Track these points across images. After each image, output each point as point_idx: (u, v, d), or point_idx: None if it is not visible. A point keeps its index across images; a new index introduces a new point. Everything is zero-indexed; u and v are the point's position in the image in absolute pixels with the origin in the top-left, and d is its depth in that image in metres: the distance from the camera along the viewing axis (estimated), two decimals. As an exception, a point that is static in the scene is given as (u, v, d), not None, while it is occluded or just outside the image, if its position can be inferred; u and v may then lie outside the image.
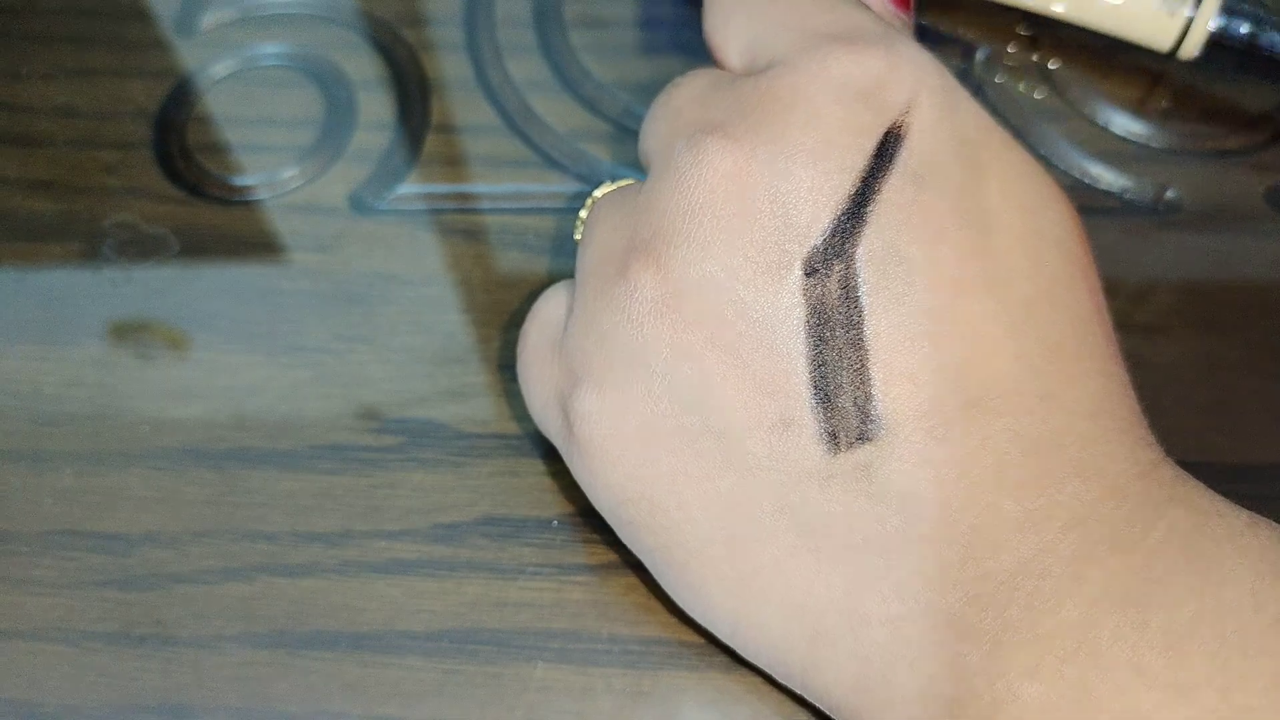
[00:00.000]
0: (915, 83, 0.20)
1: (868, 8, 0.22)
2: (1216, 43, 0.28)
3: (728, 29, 0.23)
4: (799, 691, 0.20)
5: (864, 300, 0.19)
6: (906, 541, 0.18)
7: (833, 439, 0.19)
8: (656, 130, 0.22)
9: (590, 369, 0.20)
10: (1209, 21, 0.27)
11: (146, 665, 0.23)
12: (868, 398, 0.18)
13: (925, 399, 0.18)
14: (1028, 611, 0.17)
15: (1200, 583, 0.17)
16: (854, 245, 0.19)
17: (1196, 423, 0.20)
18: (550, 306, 0.23)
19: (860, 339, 0.19)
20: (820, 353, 0.19)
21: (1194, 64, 0.28)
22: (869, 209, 0.19)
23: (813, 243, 0.19)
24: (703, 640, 0.22)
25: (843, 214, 0.19)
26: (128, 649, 0.23)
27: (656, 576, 0.21)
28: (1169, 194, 0.28)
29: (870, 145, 0.19)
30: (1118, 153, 0.28)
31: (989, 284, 0.19)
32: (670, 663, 0.22)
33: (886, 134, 0.19)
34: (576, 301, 0.22)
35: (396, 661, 0.23)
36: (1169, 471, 0.19)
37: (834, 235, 0.19)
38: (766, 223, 0.19)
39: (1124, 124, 0.29)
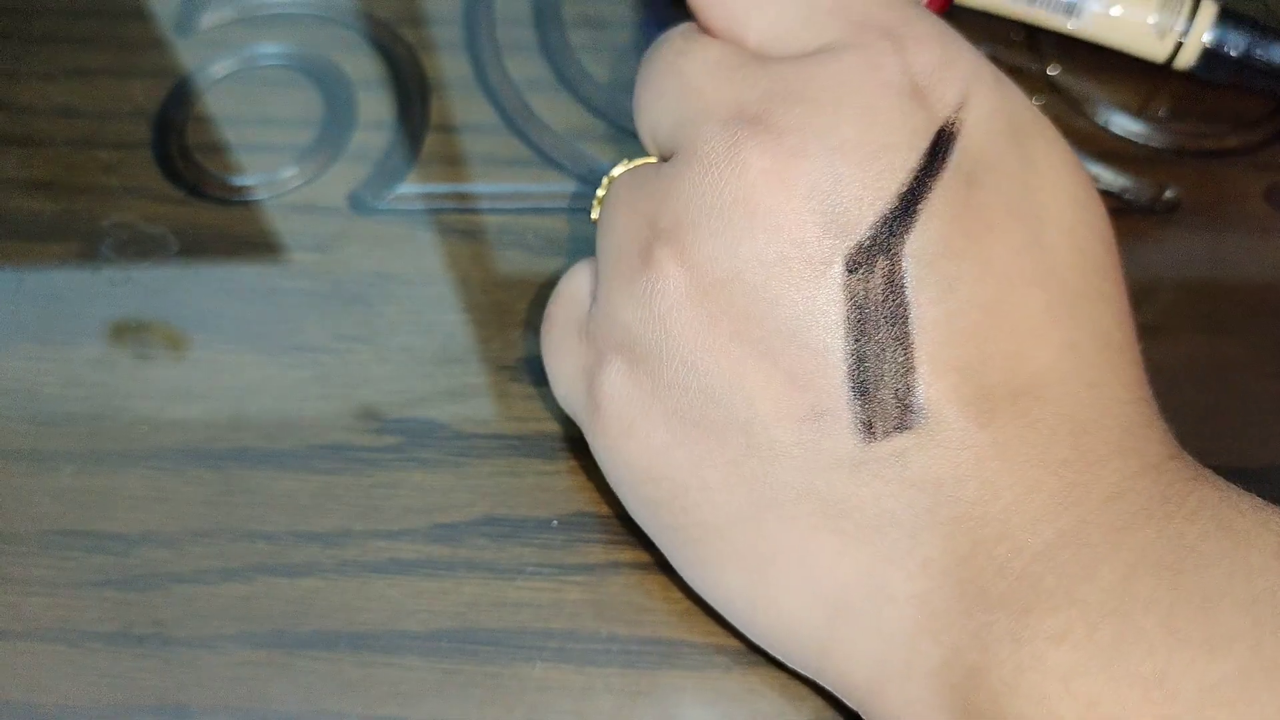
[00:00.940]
0: (968, 77, 0.20)
1: None
2: (1212, 53, 0.28)
3: (753, 2, 0.21)
4: (812, 676, 0.20)
5: (910, 295, 0.18)
6: (938, 521, 0.18)
7: (868, 429, 0.18)
8: (671, 109, 0.21)
9: (618, 352, 0.20)
10: (1203, 36, 0.27)
11: (145, 665, 0.23)
12: (909, 390, 0.18)
13: (971, 389, 0.18)
14: (1063, 579, 0.17)
15: (1230, 546, 0.17)
16: (901, 242, 0.18)
17: (1197, 423, 0.20)
18: (574, 284, 0.23)
19: (905, 334, 0.18)
20: (860, 347, 0.18)
21: (1192, 68, 0.28)
22: (919, 207, 0.19)
23: (857, 239, 0.18)
24: (701, 640, 0.22)
25: (891, 212, 0.18)
26: (126, 649, 0.23)
27: (669, 556, 0.21)
28: (1168, 193, 0.28)
29: (924, 144, 0.19)
30: (1117, 152, 0.28)
31: (1040, 277, 0.19)
32: (669, 662, 0.22)
33: (940, 132, 0.19)
34: (600, 285, 0.21)
35: (395, 661, 0.23)
36: (1189, 458, 0.19)
37: (881, 233, 0.18)
38: (807, 219, 0.19)
39: (1123, 124, 0.29)
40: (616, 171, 0.22)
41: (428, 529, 0.24)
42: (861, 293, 0.18)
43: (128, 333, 0.27)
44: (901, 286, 0.18)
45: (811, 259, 0.19)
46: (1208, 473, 0.19)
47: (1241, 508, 0.18)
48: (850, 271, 0.18)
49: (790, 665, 0.21)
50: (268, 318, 0.27)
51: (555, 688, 0.22)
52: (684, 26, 0.22)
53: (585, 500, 0.24)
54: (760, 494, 0.19)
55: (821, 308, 0.19)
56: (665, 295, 0.19)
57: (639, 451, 0.20)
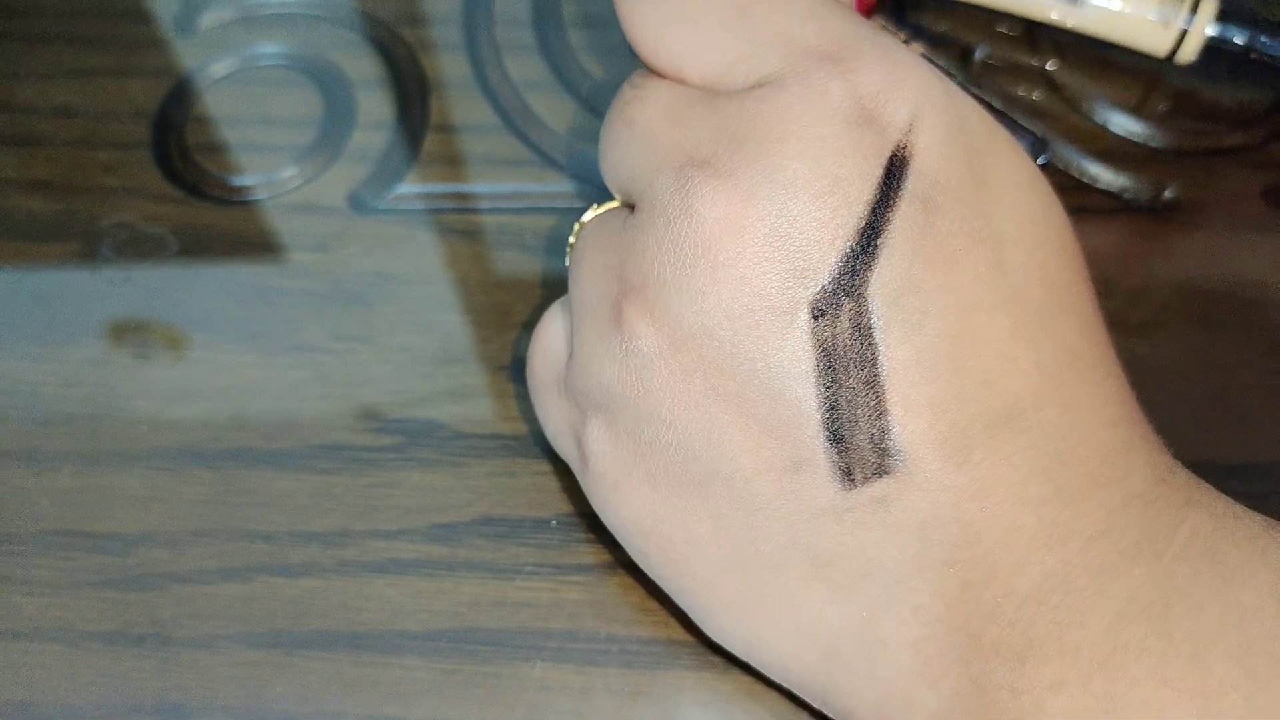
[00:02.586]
0: (918, 96, 0.19)
1: (850, 10, 0.20)
2: (1213, 47, 0.28)
3: (690, 36, 0.20)
4: (822, 709, 0.20)
5: (877, 335, 0.18)
6: (925, 567, 0.18)
7: (848, 476, 0.18)
8: (627, 158, 0.20)
9: (598, 411, 0.20)
10: (1205, 29, 0.27)
11: (144, 665, 0.23)
12: (884, 433, 0.18)
13: (945, 427, 0.18)
14: (1054, 626, 0.17)
15: (1223, 586, 0.17)
16: (865, 281, 0.18)
17: (1194, 421, 0.20)
18: (549, 334, 0.22)
19: (875, 376, 0.18)
20: (833, 394, 0.18)
21: (1192, 65, 0.28)
22: (879, 242, 0.18)
23: (820, 284, 0.18)
24: (700, 640, 0.22)
25: (851, 250, 0.18)
26: (125, 649, 0.23)
27: (673, 598, 0.21)
28: (1167, 193, 0.28)
29: (877, 173, 0.18)
30: (1116, 152, 0.28)
31: (1004, 300, 0.18)
32: (668, 662, 0.22)
33: (892, 157, 0.18)
34: (575, 338, 0.21)
35: (395, 661, 0.23)
36: (1184, 476, 0.19)
37: (843, 274, 0.18)
38: (768, 267, 0.18)
39: (1122, 123, 0.29)
40: (587, 217, 0.22)
41: (426, 529, 0.24)
42: (829, 338, 0.18)
43: (128, 333, 0.27)
44: (869, 328, 0.18)
45: (776, 309, 0.18)
46: (1202, 494, 0.19)
47: (1236, 538, 0.18)
48: (815, 318, 0.18)
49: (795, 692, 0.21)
50: (267, 318, 0.27)
51: (555, 688, 0.22)
52: (636, 72, 0.21)
53: (583, 500, 0.24)
54: (746, 546, 0.19)
55: (791, 358, 0.18)
56: (638, 354, 0.19)
57: (627, 507, 0.20)
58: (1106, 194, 0.28)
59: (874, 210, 0.18)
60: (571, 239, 0.22)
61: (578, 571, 0.23)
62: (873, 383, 0.18)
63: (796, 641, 0.19)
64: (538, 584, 0.23)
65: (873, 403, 0.18)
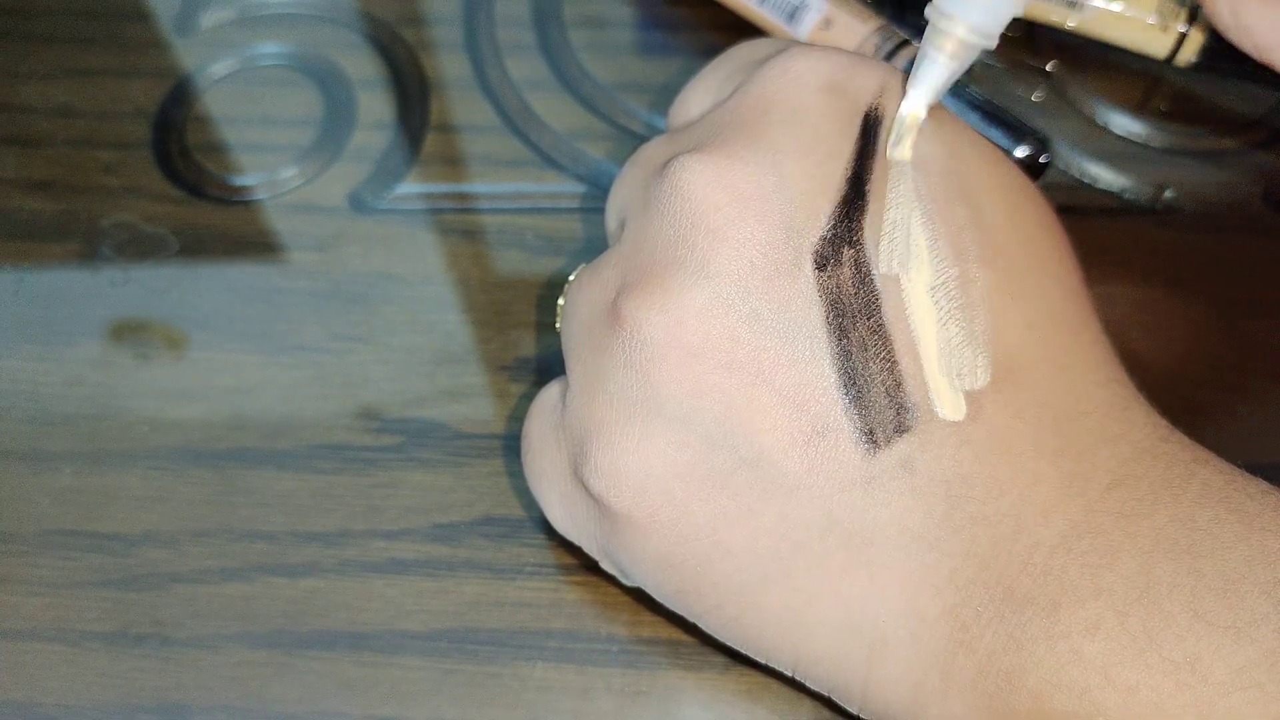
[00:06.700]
0: (882, 74, 0.20)
1: None
2: (1213, 49, 0.28)
3: (690, 102, 0.23)
4: (857, 713, 0.20)
5: (879, 283, 0.19)
6: (956, 527, 0.18)
7: (871, 438, 0.18)
8: (625, 183, 0.22)
9: (600, 431, 0.19)
10: (1204, 31, 0.27)
11: (145, 665, 0.23)
12: (899, 385, 0.18)
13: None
14: (1086, 569, 0.17)
15: (1244, 530, 0.17)
16: (860, 228, 0.19)
17: (1195, 423, 0.20)
18: (545, 397, 0.22)
19: (881, 325, 0.18)
20: (845, 348, 0.18)
21: (1192, 66, 0.28)
22: (867, 190, 0.19)
23: (820, 232, 0.19)
24: (700, 640, 0.22)
25: (844, 198, 0.19)
26: (126, 649, 0.23)
27: (711, 634, 0.21)
28: (1167, 194, 0.28)
29: (854, 130, 0.19)
30: (1116, 153, 0.28)
31: (987, 256, 0.19)
32: (668, 662, 0.22)
33: (866, 117, 0.20)
34: (570, 375, 0.21)
35: (395, 661, 0.23)
36: (1184, 438, 0.19)
37: (839, 221, 0.19)
38: (767, 223, 0.19)
39: (1122, 124, 0.29)
40: (573, 276, 0.22)
41: (427, 529, 0.24)
42: (834, 288, 0.19)
43: (128, 333, 0.27)
44: (869, 275, 0.19)
45: (780, 264, 0.19)
46: (1207, 454, 0.19)
47: (1249, 491, 0.18)
48: (819, 268, 0.19)
49: (839, 705, 0.20)
50: (267, 317, 0.27)
51: (555, 687, 0.22)
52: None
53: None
54: (785, 541, 0.19)
55: (801, 313, 0.19)
56: (642, 345, 0.19)
57: (650, 542, 0.19)
58: (1106, 194, 0.28)
59: (858, 160, 0.19)
60: (561, 300, 0.22)
61: (579, 571, 0.23)
62: (879, 330, 0.18)
63: (844, 640, 0.19)
64: (539, 584, 0.23)
65: (883, 352, 0.18)
